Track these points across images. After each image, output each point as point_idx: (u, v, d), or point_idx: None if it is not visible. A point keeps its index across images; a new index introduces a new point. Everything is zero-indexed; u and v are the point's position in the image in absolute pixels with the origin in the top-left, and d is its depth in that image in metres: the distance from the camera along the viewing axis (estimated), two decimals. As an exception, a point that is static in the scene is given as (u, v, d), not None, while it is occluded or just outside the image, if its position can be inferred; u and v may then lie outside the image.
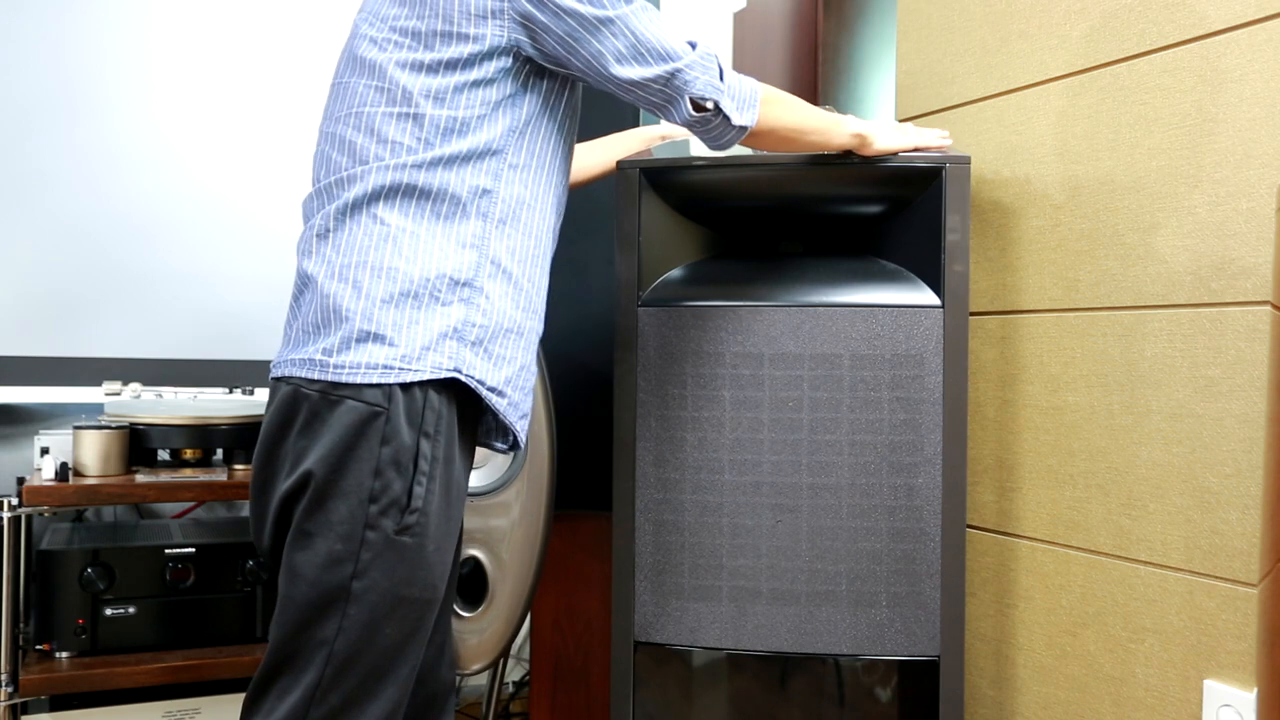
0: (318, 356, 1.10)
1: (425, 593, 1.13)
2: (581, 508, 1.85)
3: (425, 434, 1.11)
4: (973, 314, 1.52)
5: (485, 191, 1.16)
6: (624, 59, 1.17)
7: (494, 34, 1.14)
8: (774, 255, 1.50)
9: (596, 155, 1.58)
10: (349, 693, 1.10)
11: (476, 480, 1.66)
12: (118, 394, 1.89)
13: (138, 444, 1.82)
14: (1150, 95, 1.30)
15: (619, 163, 1.43)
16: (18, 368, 2.01)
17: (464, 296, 1.14)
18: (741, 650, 1.38)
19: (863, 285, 1.38)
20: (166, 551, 1.73)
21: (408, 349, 1.10)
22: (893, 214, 1.44)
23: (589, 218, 1.87)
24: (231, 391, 2.13)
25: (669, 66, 1.17)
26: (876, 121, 1.39)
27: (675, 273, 1.44)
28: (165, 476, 1.74)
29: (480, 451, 1.66)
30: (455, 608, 1.65)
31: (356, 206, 1.14)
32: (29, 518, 1.69)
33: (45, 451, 1.76)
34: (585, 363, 1.85)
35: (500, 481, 1.65)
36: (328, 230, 1.16)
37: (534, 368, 1.24)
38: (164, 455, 1.86)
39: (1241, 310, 1.20)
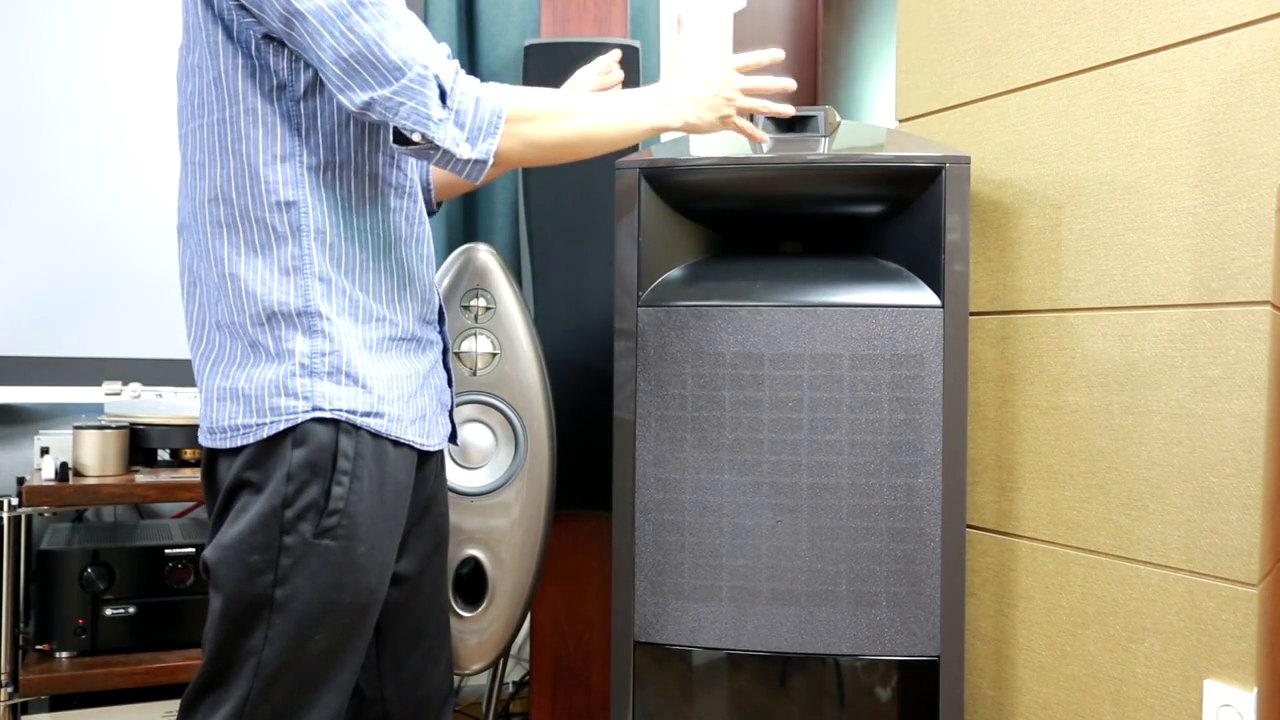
0: (202, 427, 1.10)
1: (358, 597, 1.08)
2: (581, 508, 1.85)
3: (345, 430, 1.05)
4: (973, 314, 1.52)
5: (289, 204, 1.05)
6: (324, 65, 1.00)
7: (214, 7, 1.02)
8: (774, 255, 1.50)
9: None
10: (281, 703, 1.06)
11: (476, 480, 1.66)
12: (118, 394, 1.89)
13: (138, 444, 1.82)
14: (1150, 95, 1.30)
15: (617, 163, 1.43)
16: (18, 368, 2.01)
17: (305, 326, 1.05)
18: (741, 650, 1.38)
19: (863, 285, 1.38)
20: (166, 551, 1.73)
21: (259, 402, 1.04)
22: (893, 214, 1.44)
23: (589, 218, 1.87)
24: (231, 391, 2.12)
25: (368, 93, 0.99)
26: (681, 88, 1.17)
27: (675, 273, 1.44)
28: (165, 476, 1.74)
29: (480, 451, 1.66)
30: (455, 608, 1.64)
31: (191, 269, 1.10)
32: (29, 518, 1.69)
33: (45, 451, 1.76)
34: (585, 363, 1.85)
35: (500, 481, 1.65)
36: (184, 289, 1.12)
37: (413, 362, 1.14)
38: (164, 455, 1.86)
39: (1241, 310, 1.20)
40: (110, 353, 2.08)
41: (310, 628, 1.05)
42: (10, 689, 1.63)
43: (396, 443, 1.11)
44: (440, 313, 1.24)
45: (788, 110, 1.25)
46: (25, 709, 1.71)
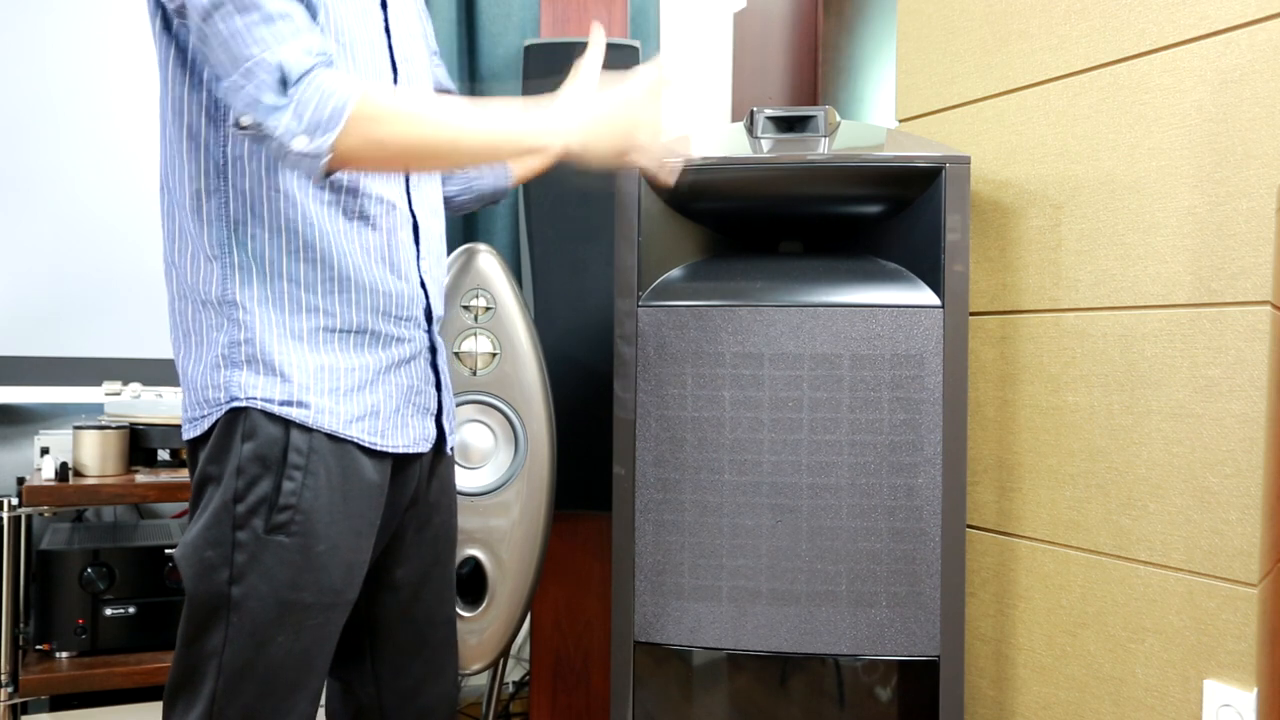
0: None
1: (321, 597, 1.05)
2: (581, 508, 1.85)
3: (296, 426, 1.04)
4: (973, 314, 1.52)
5: (211, 192, 1.05)
6: (204, 54, 0.99)
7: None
8: (774, 255, 1.50)
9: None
10: (248, 706, 1.04)
11: (477, 480, 1.66)
12: (118, 394, 1.89)
13: (138, 444, 1.82)
14: (1150, 95, 1.30)
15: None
16: (18, 368, 2.01)
17: (228, 315, 1.05)
18: (741, 650, 1.38)
19: (863, 285, 1.38)
20: (166, 551, 1.73)
21: (199, 393, 1.06)
22: (893, 214, 1.44)
23: (589, 218, 1.87)
24: (231, 391, 2.12)
25: (225, 81, 0.98)
26: (586, 106, 1.05)
27: (675, 273, 1.44)
28: (165, 476, 1.74)
29: (479, 451, 1.66)
30: (456, 608, 1.64)
31: (165, 257, 1.12)
32: (29, 518, 1.69)
33: (45, 451, 1.76)
34: (585, 363, 1.85)
35: (500, 481, 1.65)
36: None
37: (360, 356, 1.10)
38: (164, 455, 1.86)
39: (1241, 310, 1.20)
40: (110, 353, 2.08)
41: (271, 628, 1.03)
42: (10, 689, 1.63)
43: (332, 437, 1.07)
44: (428, 312, 1.19)
45: (669, 180, 1.19)
46: (25, 709, 1.71)
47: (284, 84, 0.96)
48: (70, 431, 1.78)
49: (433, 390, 1.20)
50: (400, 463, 1.16)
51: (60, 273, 2.05)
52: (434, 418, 1.20)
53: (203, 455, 1.06)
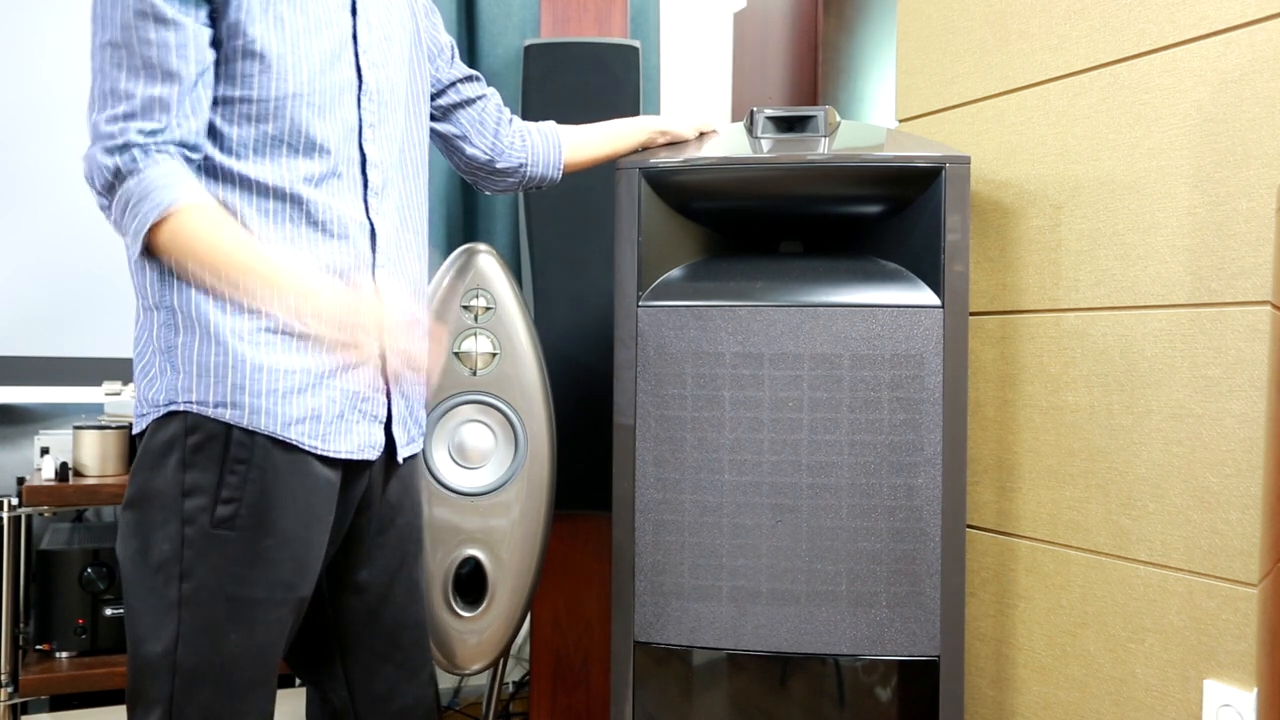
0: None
1: (271, 592, 1.04)
2: (581, 508, 1.85)
3: (238, 420, 1.03)
4: (973, 314, 1.52)
5: None
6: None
7: None
8: (774, 255, 1.50)
9: (594, 137, 1.47)
10: (206, 707, 1.03)
11: (476, 480, 1.66)
12: (118, 394, 1.89)
13: (137, 444, 1.82)
14: (1150, 95, 1.30)
15: (618, 165, 1.43)
16: (18, 368, 2.01)
17: (163, 319, 1.05)
18: (741, 650, 1.38)
19: (863, 285, 1.38)
20: (166, 551, 1.73)
21: (145, 390, 1.07)
22: (893, 214, 1.44)
23: (589, 218, 1.87)
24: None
25: (93, 116, 1.00)
26: (334, 301, 1.07)
27: (675, 273, 1.44)
28: (165, 476, 1.73)
29: (480, 451, 1.66)
30: (455, 608, 1.65)
31: None
32: (29, 518, 1.69)
33: (45, 451, 1.76)
34: (585, 363, 1.85)
35: (500, 481, 1.65)
36: None
37: (302, 359, 1.07)
38: (164, 455, 1.86)
39: (1241, 310, 1.20)
40: (110, 353, 2.08)
41: (223, 625, 1.03)
42: (10, 689, 1.63)
43: (272, 439, 1.05)
44: None
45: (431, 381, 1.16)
46: (25, 709, 1.71)
47: (111, 184, 1.00)
48: (70, 431, 1.78)
49: (382, 398, 1.17)
50: (349, 466, 1.14)
51: (60, 273, 2.05)
52: (383, 425, 1.17)
53: (147, 442, 1.07)
